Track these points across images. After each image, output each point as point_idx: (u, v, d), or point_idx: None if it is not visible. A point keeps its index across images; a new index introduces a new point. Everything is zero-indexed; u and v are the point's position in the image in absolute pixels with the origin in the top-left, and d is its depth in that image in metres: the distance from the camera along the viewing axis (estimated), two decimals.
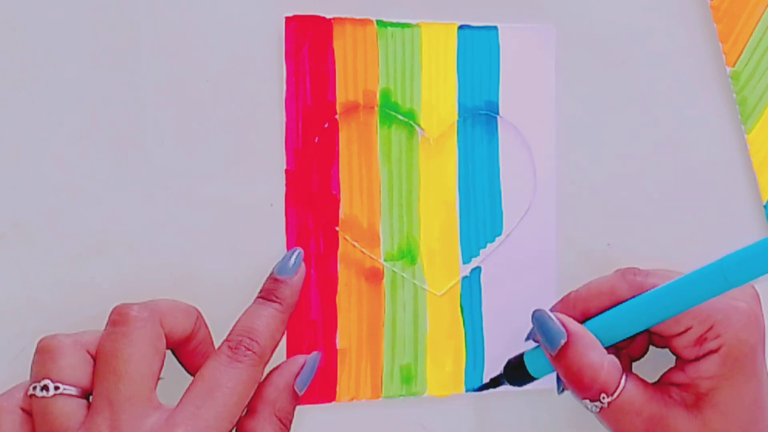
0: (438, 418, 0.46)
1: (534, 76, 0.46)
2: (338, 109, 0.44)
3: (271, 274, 0.41)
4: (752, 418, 0.41)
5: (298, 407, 0.40)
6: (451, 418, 0.46)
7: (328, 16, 0.43)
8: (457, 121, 0.45)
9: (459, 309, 0.45)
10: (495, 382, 0.45)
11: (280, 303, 0.40)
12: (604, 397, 0.40)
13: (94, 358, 0.37)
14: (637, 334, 0.43)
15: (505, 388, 0.45)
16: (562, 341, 0.41)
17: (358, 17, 0.44)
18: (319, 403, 0.44)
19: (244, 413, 0.39)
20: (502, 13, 0.46)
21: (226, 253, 0.43)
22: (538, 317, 0.42)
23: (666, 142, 0.48)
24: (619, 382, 0.40)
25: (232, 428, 0.37)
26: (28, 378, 0.37)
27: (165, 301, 0.39)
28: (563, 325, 0.41)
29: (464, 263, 0.46)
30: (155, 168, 0.42)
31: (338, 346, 0.44)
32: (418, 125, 0.45)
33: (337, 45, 0.44)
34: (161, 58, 0.42)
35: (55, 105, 0.41)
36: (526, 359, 0.44)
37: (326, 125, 0.44)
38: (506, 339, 0.46)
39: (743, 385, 0.41)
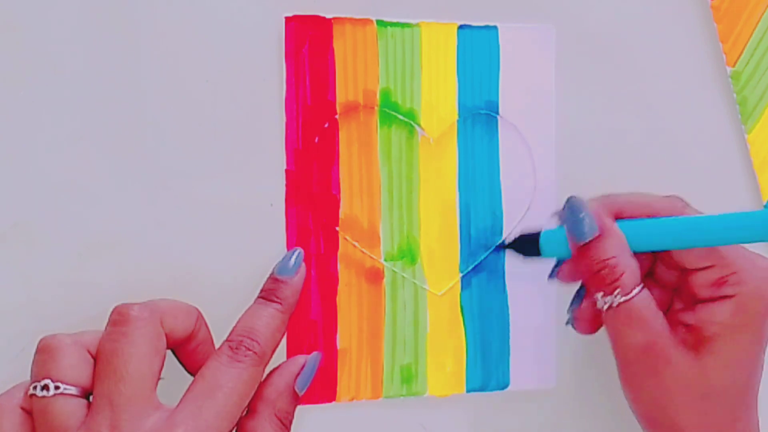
0: (438, 418, 0.46)
1: (534, 76, 0.46)
2: (338, 109, 0.44)
3: (271, 274, 0.41)
4: (748, 374, 0.41)
5: (298, 407, 0.40)
6: (452, 418, 0.46)
7: (328, 16, 0.43)
8: (457, 120, 0.45)
9: (459, 309, 0.45)
10: (503, 246, 0.45)
11: (280, 303, 0.40)
12: (617, 294, 0.40)
13: (95, 358, 0.36)
14: (657, 253, 0.42)
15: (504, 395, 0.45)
16: (593, 234, 0.40)
17: (358, 17, 0.44)
18: (320, 403, 0.44)
19: (244, 413, 0.39)
20: (502, 13, 0.46)
21: (226, 253, 0.43)
22: (572, 205, 0.41)
23: (666, 142, 0.48)
24: (636, 285, 0.40)
25: (233, 428, 0.37)
26: (28, 378, 0.37)
27: (165, 301, 0.39)
28: (597, 218, 0.41)
29: (464, 263, 0.46)
30: (155, 168, 0.42)
31: (338, 346, 0.44)
32: (418, 125, 0.45)
33: (337, 45, 0.44)
34: (161, 58, 0.42)
35: (56, 105, 0.41)
36: (542, 236, 0.43)
37: (326, 125, 0.44)
38: (507, 338, 0.46)
39: (748, 340, 0.40)
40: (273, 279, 0.41)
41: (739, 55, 0.49)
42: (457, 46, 0.45)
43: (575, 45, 0.46)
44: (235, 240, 0.43)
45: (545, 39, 0.46)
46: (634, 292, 0.40)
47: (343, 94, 0.44)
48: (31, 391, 0.35)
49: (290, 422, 0.40)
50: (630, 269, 0.40)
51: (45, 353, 0.36)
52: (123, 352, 0.36)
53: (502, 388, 0.46)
